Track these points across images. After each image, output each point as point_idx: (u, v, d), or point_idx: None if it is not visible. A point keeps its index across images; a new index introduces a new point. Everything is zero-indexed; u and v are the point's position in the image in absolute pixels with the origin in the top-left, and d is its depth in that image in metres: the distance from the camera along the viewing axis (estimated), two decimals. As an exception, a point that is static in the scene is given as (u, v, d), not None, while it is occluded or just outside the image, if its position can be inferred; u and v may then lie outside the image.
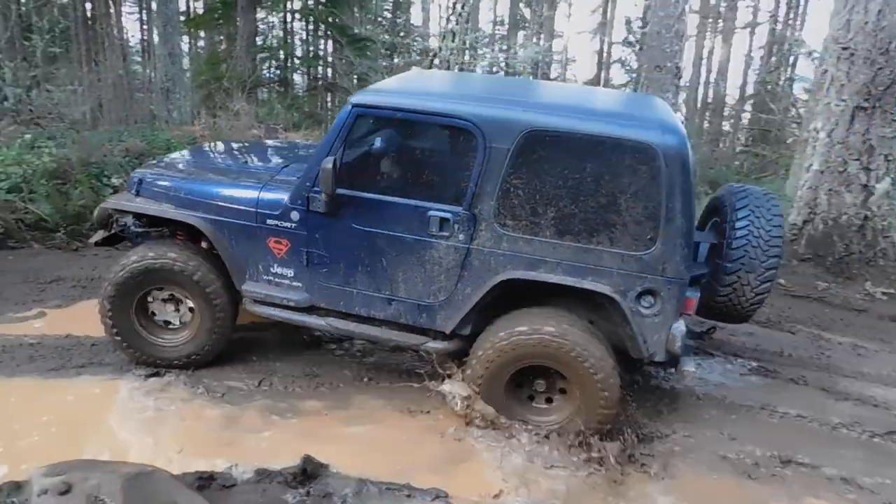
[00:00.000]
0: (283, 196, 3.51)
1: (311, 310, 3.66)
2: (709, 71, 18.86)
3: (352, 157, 3.48)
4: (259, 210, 3.55)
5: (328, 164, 3.23)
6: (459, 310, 3.38)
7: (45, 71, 10.61)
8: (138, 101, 10.53)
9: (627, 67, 18.76)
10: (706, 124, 17.66)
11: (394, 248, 3.39)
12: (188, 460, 3.05)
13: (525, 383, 3.44)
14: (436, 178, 3.43)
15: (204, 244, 3.84)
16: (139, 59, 17.25)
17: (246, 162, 4.34)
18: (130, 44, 16.56)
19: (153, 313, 3.79)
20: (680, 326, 3.21)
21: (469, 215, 3.24)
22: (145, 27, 17.00)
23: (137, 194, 3.84)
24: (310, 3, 13.24)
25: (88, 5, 14.89)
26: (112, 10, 15.38)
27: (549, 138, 3.10)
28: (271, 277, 3.64)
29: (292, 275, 3.61)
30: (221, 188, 3.71)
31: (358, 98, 3.41)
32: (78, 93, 9.43)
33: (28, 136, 6.71)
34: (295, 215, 3.49)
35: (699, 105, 18.45)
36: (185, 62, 13.80)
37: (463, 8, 9.17)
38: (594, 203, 3.10)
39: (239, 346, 4.11)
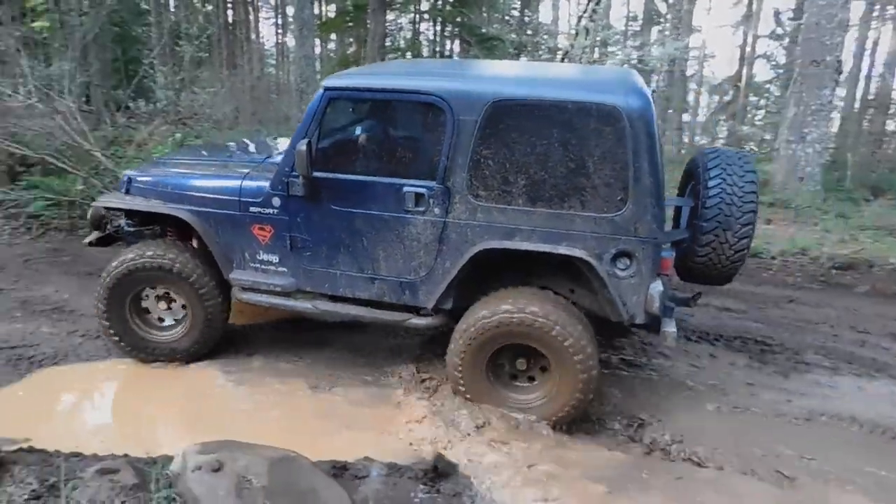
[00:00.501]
0: (265, 183, 3.65)
1: (297, 294, 3.80)
2: (871, 64, 17.12)
3: (327, 141, 3.62)
4: (242, 198, 3.71)
5: (302, 146, 3.36)
6: (440, 284, 3.47)
7: (191, 74, 11.70)
8: (273, 102, 11.32)
9: (773, 63, 17.48)
10: (866, 123, 16.03)
11: (373, 226, 3.50)
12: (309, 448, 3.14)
13: (507, 363, 3.52)
14: (408, 155, 3.56)
15: (194, 242, 4.03)
16: (273, 62, 18.57)
17: (231, 154, 4.44)
18: (266, 47, 17.88)
19: (147, 310, 3.98)
20: (657, 286, 3.24)
21: (443, 189, 3.35)
22: (280, 31, 18.27)
23: (127, 192, 4.03)
24: (438, 3, 13.59)
25: (230, 12, 16.27)
26: (251, 17, 16.68)
27: (515, 107, 3.20)
28: (258, 265, 3.79)
29: (277, 260, 3.75)
30: (206, 180, 3.89)
31: (329, 81, 3.54)
32: (220, 94, 10.30)
33: (178, 135, 7.43)
34: (276, 201, 3.63)
35: (858, 102, 16.79)
36: (317, 64, 14.63)
37: (598, 4, 8.98)
38: (563, 168, 3.19)
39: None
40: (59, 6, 18.75)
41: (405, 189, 3.40)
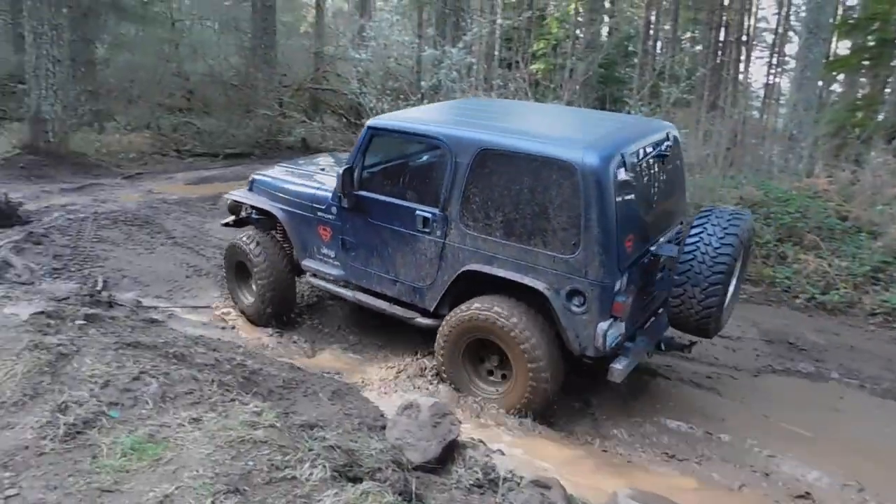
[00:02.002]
0: (329, 194, 4.93)
1: (344, 284, 5.06)
2: None
3: (368, 167, 4.79)
4: (313, 204, 5.08)
5: (342, 171, 4.65)
6: (438, 293, 4.47)
7: (668, 115, 12.16)
8: (754, 147, 10.90)
9: None
10: None
11: (395, 239, 4.59)
12: None
13: (487, 360, 4.38)
14: (422, 185, 4.57)
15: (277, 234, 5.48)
16: (758, 104, 17.98)
17: (324, 168, 5.63)
18: (752, 88, 17.43)
19: (245, 279, 5.56)
20: (604, 326, 3.85)
21: (443, 216, 4.32)
22: (773, 72, 17.59)
23: (250, 190, 5.69)
24: None
25: (720, 52, 16.42)
26: (742, 56, 16.48)
27: (497, 155, 4.07)
28: (321, 256, 5.16)
29: (333, 255, 5.06)
30: (294, 186, 5.32)
31: (372, 121, 4.80)
32: (698, 136, 10.40)
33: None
34: (334, 210, 4.92)
35: None
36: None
37: None
38: (531, 210, 3.96)
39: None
40: (556, 51, 22.09)
41: (417, 212, 4.44)
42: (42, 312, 3.87)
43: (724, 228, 3.91)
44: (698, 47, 18.75)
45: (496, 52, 21.37)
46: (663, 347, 4.72)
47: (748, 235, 4.13)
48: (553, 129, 4.71)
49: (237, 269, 5.61)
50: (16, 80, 17.60)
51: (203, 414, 3.05)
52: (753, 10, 18.27)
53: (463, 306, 4.26)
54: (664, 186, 4.43)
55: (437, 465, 3.26)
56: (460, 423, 3.49)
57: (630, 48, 21.97)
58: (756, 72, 19.94)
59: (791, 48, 18.85)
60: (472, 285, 4.31)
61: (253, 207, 5.71)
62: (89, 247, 6.81)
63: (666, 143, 4.38)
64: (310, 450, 2.88)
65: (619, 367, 3.97)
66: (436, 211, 4.34)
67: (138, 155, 12.65)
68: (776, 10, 19.60)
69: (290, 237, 5.36)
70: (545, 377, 4.02)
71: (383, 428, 3.51)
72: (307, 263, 5.26)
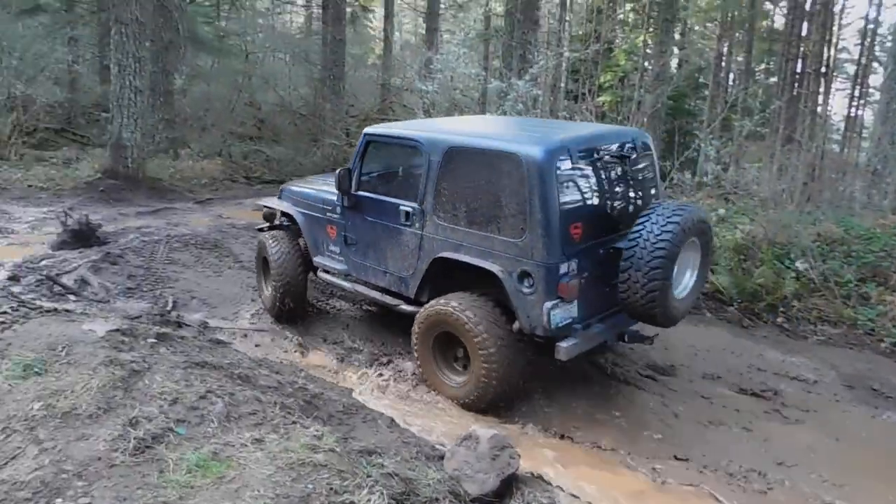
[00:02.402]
0: (336, 196, 5.53)
1: (347, 277, 5.64)
2: None
3: (365, 170, 5.41)
4: (324, 206, 5.74)
5: (339, 172, 5.35)
6: (417, 280, 4.94)
7: (740, 149, 11.89)
8: (834, 182, 10.52)
9: None
10: None
11: (385, 233, 5.15)
12: None
13: (457, 352, 4.73)
14: (405, 184, 5.25)
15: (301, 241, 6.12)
16: (837, 137, 17.37)
17: None
18: (831, 121, 16.87)
19: (265, 278, 6.20)
20: (548, 305, 4.20)
21: (420, 209, 4.83)
22: (856, 104, 16.99)
23: (279, 198, 6.45)
24: None
25: (797, 84, 16.00)
26: (821, 88, 16.01)
27: (461, 152, 4.65)
28: (329, 253, 5.79)
29: (338, 252, 5.67)
30: (310, 192, 6.02)
31: (367, 130, 5.48)
32: (772, 170, 10.13)
33: (722, 211, 7.61)
34: (338, 209, 5.54)
35: None
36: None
37: None
38: (488, 200, 4.49)
39: None
40: (623, 83, 21.99)
41: (401, 207, 4.98)
42: (117, 330, 4.07)
43: (667, 218, 4.19)
44: (773, 79, 18.30)
45: (562, 84, 21.46)
46: (626, 339, 4.95)
47: (692, 226, 4.29)
48: (514, 131, 5.36)
49: (263, 263, 6.24)
50: (100, 108, 18.70)
51: (265, 435, 3.13)
52: (834, 40, 17.79)
53: (432, 302, 4.73)
54: (628, 185, 4.76)
55: (495, 499, 3.24)
56: (520, 456, 3.46)
57: (701, 80, 21.67)
58: (836, 104, 19.35)
59: (875, 79, 18.21)
60: (447, 273, 4.80)
61: (281, 213, 6.45)
62: (161, 268, 7.12)
63: (628, 146, 4.72)
64: (368, 476, 2.92)
65: (564, 346, 4.25)
66: (415, 205, 4.90)
67: (210, 181, 13.21)
68: (858, 41, 19.02)
69: (304, 237, 6.03)
70: (497, 368, 4.38)
71: (441, 458, 3.51)
72: (318, 260, 5.94)
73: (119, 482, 2.68)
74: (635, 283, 4.20)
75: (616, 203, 4.62)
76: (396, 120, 16.14)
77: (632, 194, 4.76)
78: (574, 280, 4.26)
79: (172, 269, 7.16)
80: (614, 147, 4.66)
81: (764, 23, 21.53)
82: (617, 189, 4.67)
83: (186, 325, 5.40)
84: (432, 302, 4.70)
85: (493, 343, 4.37)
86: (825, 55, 16.17)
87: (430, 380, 4.83)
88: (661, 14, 15.13)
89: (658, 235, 4.14)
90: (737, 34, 21.14)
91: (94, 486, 2.64)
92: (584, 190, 4.45)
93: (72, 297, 5.82)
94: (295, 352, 5.55)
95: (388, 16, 22.89)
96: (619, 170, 4.69)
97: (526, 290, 4.29)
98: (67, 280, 6.21)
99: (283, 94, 17.63)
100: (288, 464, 2.88)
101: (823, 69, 16.23)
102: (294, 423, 3.37)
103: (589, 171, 4.46)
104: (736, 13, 19.99)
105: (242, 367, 4.11)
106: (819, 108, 16.51)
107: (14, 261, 6.63)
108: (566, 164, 4.28)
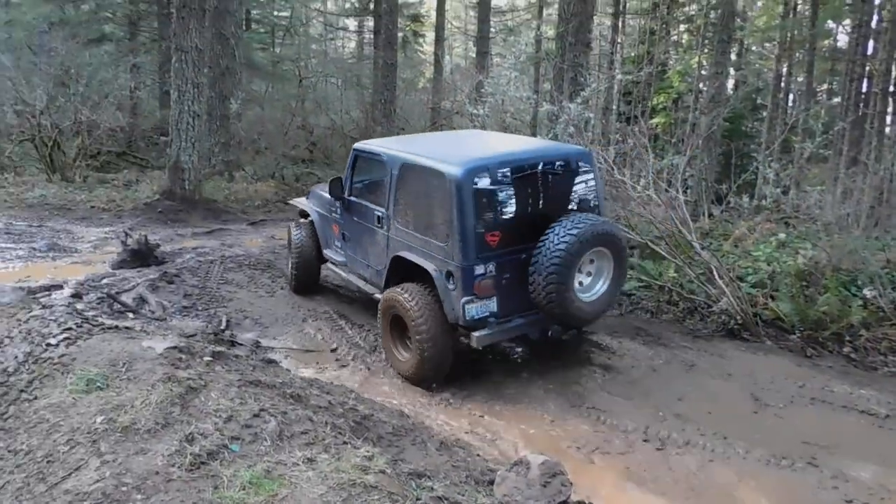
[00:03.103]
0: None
1: (344, 267, 6.75)
2: None
3: (355, 179, 6.44)
4: (330, 207, 6.85)
5: (332, 180, 6.59)
6: (384, 274, 5.85)
7: (801, 172, 11.59)
8: (901, 207, 10.14)
9: None
10: None
11: (366, 232, 6.14)
12: None
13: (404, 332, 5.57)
14: (378, 192, 5.99)
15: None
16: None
17: None
18: (899, 143, 16.25)
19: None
20: (464, 300, 4.99)
21: (387, 214, 5.77)
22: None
23: (307, 197, 7.77)
24: None
25: (862, 105, 15.54)
26: (889, 108, 15.51)
27: (410, 168, 5.58)
28: (335, 247, 6.92)
29: (340, 246, 6.76)
30: (324, 195, 7.03)
31: (356, 146, 6.56)
32: (836, 194, 9.83)
33: (782, 236, 7.42)
34: (339, 211, 6.64)
35: None
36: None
37: None
38: (426, 209, 5.35)
39: None
40: (677, 104, 21.73)
41: (375, 212, 5.93)
42: (175, 347, 4.21)
43: (567, 230, 4.92)
44: (836, 99, 17.83)
45: (614, 106, 21.36)
46: (550, 334, 5.60)
47: (592, 237, 4.99)
48: (456, 149, 5.92)
49: (288, 245, 7.72)
50: (159, 132, 19.46)
51: (317, 455, 3.18)
52: (901, 59, 17.26)
53: (388, 289, 5.63)
54: (553, 199, 5.36)
55: (546, 528, 3.20)
56: (572, 484, 3.41)
57: (758, 101, 21.27)
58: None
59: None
60: (405, 269, 5.52)
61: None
62: (216, 287, 7.33)
63: (558, 164, 5.37)
64: (418, 499, 2.93)
65: (476, 335, 5.08)
66: (384, 211, 5.83)
67: (263, 202, 13.56)
68: (928, 60, 18.35)
69: (318, 231, 7.27)
70: (429, 348, 5.19)
71: (491, 483, 3.49)
72: (326, 252, 7.16)
73: (176, 497, 2.76)
74: (538, 286, 4.96)
75: (538, 214, 5.23)
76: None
77: (557, 207, 5.35)
78: (488, 280, 5.05)
79: (226, 288, 7.36)
80: (542, 164, 5.27)
81: (826, 42, 21.03)
82: (540, 202, 5.29)
83: (240, 343, 5.53)
84: (389, 289, 5.62)
85: (427, 327, 5.17)
86: (893, 73, 15.68)
87: (387, 354, 5.77)
88: (717, 34, 14.95)
89: (556, 245, 4.89)
90: (797, 54, 20.70)
91: (151, 500, 2.72)
92: (504, 202, 5.11)
93: (130, 315, 6.03)
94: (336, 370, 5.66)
95: (439, 40, 23.25)
96: (543, 184, 5.29)
97: (450, 287, 5.09)
98: (127, 298, 6.44)
99: (334, 117, 18.03)
100: (339, 484, 2.92)
101: (891, 88, 15.73)
102: (345, 443, 3.41)
103: (509, 186, 5.11)
104: (796, 32, 19.60)
105: (294, 386, 4.19)
106: (887, 129, 15.98)
107: (77, 279, 6.92)
108: (485, 182, 5.01)
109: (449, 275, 5.08)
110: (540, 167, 5.25)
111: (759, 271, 7.11)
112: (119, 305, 6.09)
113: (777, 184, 10.29)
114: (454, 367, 5.45)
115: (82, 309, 5.30)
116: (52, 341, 4.27)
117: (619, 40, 23.68)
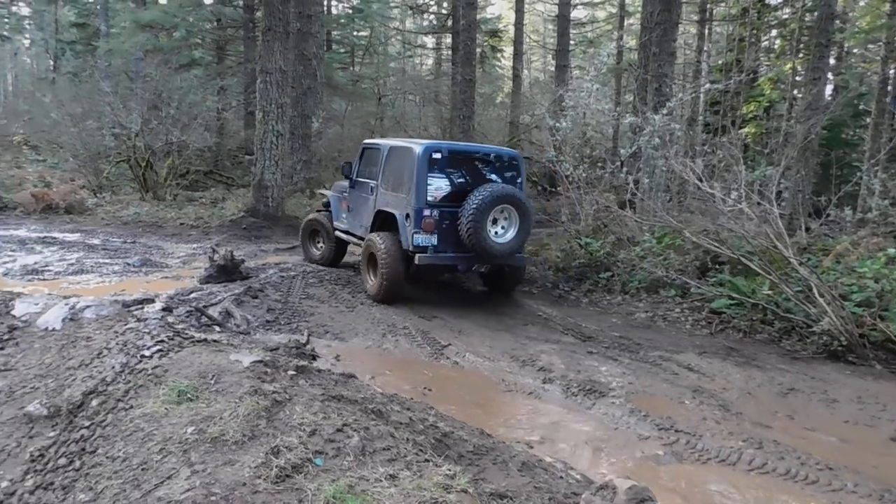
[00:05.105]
0: (347, 184, 9.46)
1: (346, 232, 9.31)
2: None
3: (361, 166, 9.11)
4: (341, 190, 9.68)
5: (343, 163, 9.70)
6: (369, 225, 8.54)
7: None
8: None
9: None
10: None
11: (364, 201, 8.83)
12: None
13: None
14: (373, 170, 8.66)
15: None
16: None
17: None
18: None
19: (315, 238, 10.09)
20: (413, 231, 7.64)
21: (377, 184, 8.50)
22: None
23: (329, 189, 10.65)
24: None
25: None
26: None
27: (393, 149, 8.35)
28: (341, 218, 9.50)
29: (346, 216, 9.36)
30: (339, 184, 10.02)
31: (364, 142, 9.69)
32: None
33: (892, 251, 6.96)
34: (347, 189, 9.35)
35: None
36: None
37: None
38: (399, 175, 8.05)
39: None
40: (769, 113, 20.89)
41: (370, 184, 8.66)
42: (260, 361, 4.34)
43: (480, 193, 7.53)
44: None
45: (700, 117, 20.75)
46: (474, 269, 8.21)
47: (495, 198, 7.53)
48: (417, 140, 8.93)
49: (310, 234, 10.21)
50: (243, 151, 20.29)
51: (399, 471, 3.20)
52: None
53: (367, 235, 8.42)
54: (479, 176, 7.97)
55: (634, 557, 3.09)
56: (662, 512, 3.29)
57: (861, 107, 20.17)
58: None
59: None
60: (385, 220, 8.22)
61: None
62: (297, 302, 7.54)
63: (493, 155, 8.18)
64: (501, 520, 2.89)
65: (419, 256, 7.67)
66: (376, 182, 8.52)
67: (342, 219, 13.90)
68: None
69: (332, 209, 9.83)
70: (388, 271, 7.71)
71: (576, 507, 3.41)
72: (336, 224, 9.62)
73: (262, 508, 2.83)
74: (463, 227, 7.52)
75: (468, 184, 7.85)
76: (526, 156, 16.28)
77: (480, 181, 7.88)
78: (430, 221, 7.66)
79: (308, 303, 7.56)
80: (477, 155, 8.08)
81: (937, 43, 19.73)
82: (469, 177, 7.90)
83: (321, 358, 5.65)
84: (367, 236, 8.28)
85: (387, 258, 7.71)
86: None
87: (364, 281, 8.31)
88: (814, 38, 14.31)
89: (472, 204, 7.47)
90: (904, 56, 19.52)
91: (239, 511, 2.80)
92: (448, 173, 7.79)
93: (217, 328, 6.28)
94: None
95: (518, 54, 23.31)
96: (477, 167, 7.98)
97: (406, 224, 7.72)
98: (213, 312, 6.72)
99: (412, 133, 18.31)
100: (421, 502, 2.92)
101: None
102: (426, 460, 3.42)
103: (455, 163, 7.84)
104: (902, 33, 18.51)
105: (375, 401, 4.24)
106: None
107: (167, 293, 7.27)
108: (437, 156, 7.75)
109: (407, 216, 7.71)
110: (479, 155, 8.09)
111: (865, 289, 6.70)
112: (206, 319, 6.36)
113: (884, 195, 9.73)
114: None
115: (173, 322, 5.56)
116: (147, 353, 4.50)
117: (705, 48, 23.05)
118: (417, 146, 7.86)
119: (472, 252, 7.65)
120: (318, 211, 10.48)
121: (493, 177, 7.97)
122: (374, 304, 7.83)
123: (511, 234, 7.74)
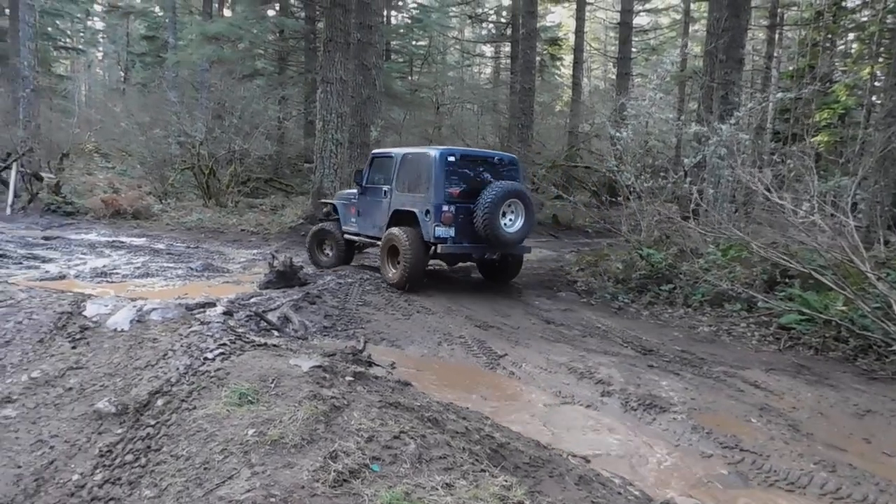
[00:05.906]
0: (356, 191, 10.48)
1: (356, 234, 10.36)
2: None
3: (371, 173, 10.15)
4: (349, 197, 10.63)
5: (355, 171, 11.06)
6: (386, 225, 9.54)
7: None
8: None
9: None
10: None
11: (376, 205, 9.92)
12: None
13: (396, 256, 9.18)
14: (386, 176, 9.75)
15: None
16: None
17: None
18: None
19: (322, 246, 11.00)
20: (434, 224, 8.70)
21: (390, 188, 9.57)
22: None
23: (332, 195, 12.58)
24: None
25: None
26: None
27: (408, 156, 9.47)
28: (351, 222, 10.46)
29: (355, 220, 10.37)
30: (345, 192, 11.13)
31: (373, 152, 10.73)
32: None
33: (978, 265, 6.60)
34: (356, 195, 10.35)
35: None
36: None
37: None
38: (416, 177, 9.14)
39: None
40: (844, 121, 20.13)
41: (383, 189, 9.70)
42: (319, 366, 4.42)
43: (492, 190, 8.63)
44: None
45: (769, 125, 20.17)
46: (486, 256, 9.25)
47: (505, 194, 8.65)
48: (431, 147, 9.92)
49: (318, 243, 11.00)
50: (302, 159, 20.74)
51: (455, 480, 3.21)
52: None
53: (388, 230, 9.32)
54: (488, 176, 9.06)
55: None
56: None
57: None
58: None
59: None
60: (399, 218, 9.23)
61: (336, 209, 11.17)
62: (354, 309, 7.65)
63: (497, 158, 9.41)
64: (559, 534, 2.86)
65: (441, 246, 8.71)
66: (389, 186, 9.52)
67: (399, 228, 14.05)
68: None
69: (339, 215, 10.64)
70: (411, 262, 8.67)
71: (636, 525, 3.35)
72: (346, 227, 10.49)
73: (319, 512, 2.88)
74: (478, 219, 8.61)
75: (480, 182, 8.94)
76: (584, 167, 16.14)
77: (488, 180, 8.96)
78: (449, 215, 8.69)
79: (364, 310, 7.67)
80: (484, 158, 9.26)
81: None
82: (480, 177, 8.99)
83: (377, 364, 5.72)
84: (387, 231, 9.20)
85: (410, 248, 8.66)
86: None
87: (383, 271, 9.22)
88: (895, 41, 13.75)
89: (486, 199, 8.59)
90: None
91: (297, 513, 2.86)
92: (462, 173, 8.85)
93: (275, 333, 6.43)
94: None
95: (578, 62, 23.15)
96: (483, 168, 9.08)
97: (427, 219, 8.76)
98: (272, 317, 6.88)
99: (470, 142, 18.38)
100: (477, 512, 2.92)
101: None
102: (482, 470, 3.42)
103: (466, 165, 8.91)
104: None
105: (432, 410, 4.26)
106: None
107: (228, 297, 7.49)
108: (452, 159, 8.81)
109: (426, 212, 8.77)
110: (484, 158, 9.29)
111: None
112: (265, 323, 6.51)
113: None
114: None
115: (234, 326, 5.72)
116: (209, 355, 4.64)
117: (775, 54, 22.42)
118: (433, 151, 9.04)
119: (484, 241, 8.83)
120: (320, 220, 11.30)
121: (498, 177, 9.10)
122: (431, 312, 7.87)
123: (519, 224, 8.95)
